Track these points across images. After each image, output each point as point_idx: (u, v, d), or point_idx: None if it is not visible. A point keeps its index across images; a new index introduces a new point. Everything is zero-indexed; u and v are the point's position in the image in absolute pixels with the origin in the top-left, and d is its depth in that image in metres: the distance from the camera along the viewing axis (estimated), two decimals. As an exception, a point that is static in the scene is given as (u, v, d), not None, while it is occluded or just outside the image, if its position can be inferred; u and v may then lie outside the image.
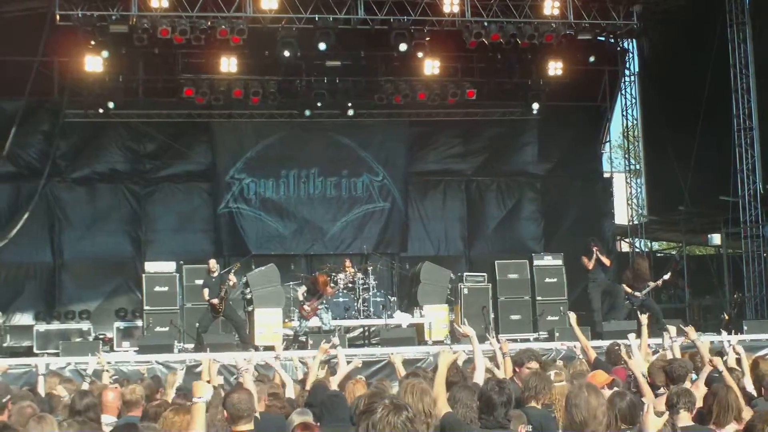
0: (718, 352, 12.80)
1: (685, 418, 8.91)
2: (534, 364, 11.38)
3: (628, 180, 34.48)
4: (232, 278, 23.74)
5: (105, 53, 26.71)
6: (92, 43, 26.27)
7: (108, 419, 10.57)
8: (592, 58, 29.57)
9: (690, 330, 12.93)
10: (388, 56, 29.15)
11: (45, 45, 27.84)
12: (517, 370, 11.32)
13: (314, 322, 23.87)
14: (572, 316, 15.26)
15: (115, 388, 12.00)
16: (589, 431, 7.32)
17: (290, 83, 30.12)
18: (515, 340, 25.04)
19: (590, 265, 25.26)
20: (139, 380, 14.04)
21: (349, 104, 30.08)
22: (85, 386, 13.23)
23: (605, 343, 18.73)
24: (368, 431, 5.34)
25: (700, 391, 10.25)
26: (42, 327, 26.47)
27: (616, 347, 13.62)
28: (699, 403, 9.28)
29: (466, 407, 8.62)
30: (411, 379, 9.58)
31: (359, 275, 25.56)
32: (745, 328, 23.01)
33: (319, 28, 26.62)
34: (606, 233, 32.78)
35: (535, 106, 30.98)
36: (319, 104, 30.24)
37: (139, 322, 26.39)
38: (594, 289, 25.53)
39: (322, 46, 26.89)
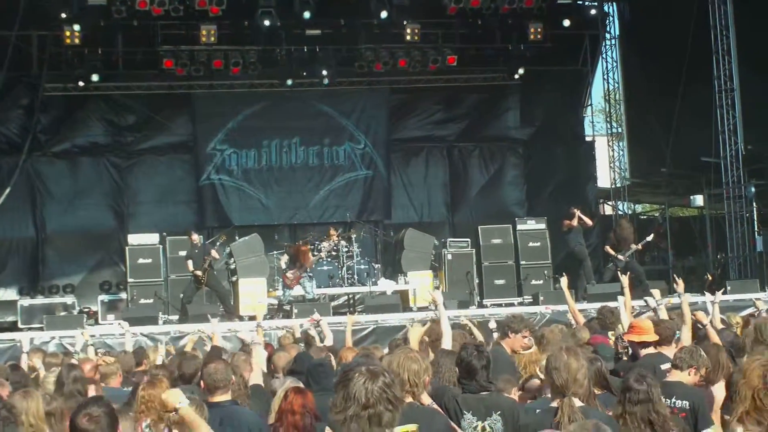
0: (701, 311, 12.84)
1: (674, 376, 9.00)
2: (528, 333, 11.27)
3: (610, 143, 34.46)
4: (215, 254, 23.74)
5: (83, 26, 26.57)
6: (70, 15, 26.08)
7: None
8: (567, 22, 29.46)
9: (680, 283, 13.06)
10: (368, 24, 29.04)
11: (22, 19, 27.59)
12: (511, 336, 11.11)
13: (298, 290, 23.89)
14: (564, 280, 15.14)
15: (90, 360, 12.07)
16: (570, 394, 7.34)
17: (270, 53, 30.01)
18: (500, 305, 25.23)
19: (574, 222, 25.27)
20: (123, 352, 14.06)
21: (324, 72, 29.84)
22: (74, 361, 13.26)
23: (591, 306, 18.88)
24: (345, 399, 5.35)
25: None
26: (26, 302, 26.38)
27: (607, 310, 13.67)
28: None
29: (450, 371, 8.65)
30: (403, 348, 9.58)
31: (343, 243, 25.62)
32: (729, 288, 23.04)
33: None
34: (589, 197, 32.76)
35: (521, 71, 31.03)
36: (304, 73, 30.12)
37: (124, 295, 26.36)
38: (582, 250, 25.61)
39: (306, 14, 26.84)
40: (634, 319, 11.85)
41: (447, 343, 9.91)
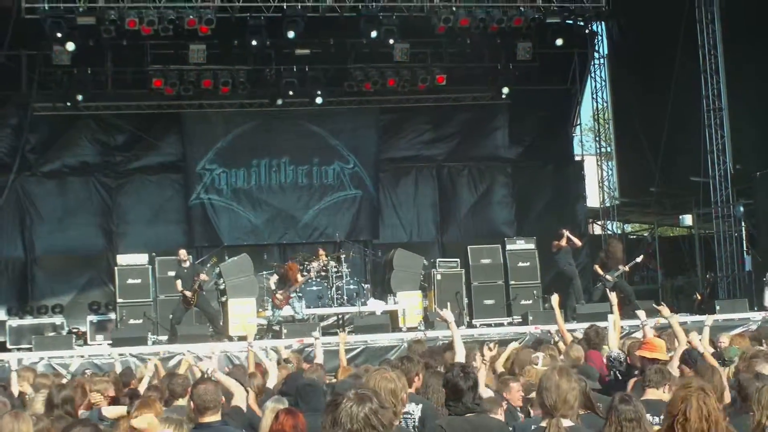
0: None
1: (651, 394, 8.98)
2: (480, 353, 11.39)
3: (599, 163, 34.52)
4: (204, 276, 23.63)
5: (73, 46, 26.52)
6: (59, 35, 26.04)
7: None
8: (559, 42, 29.41)
9: (663, 308, 12.91)
10: (357, 43, 29.11)
11: (11, 38, 27.57)
12: None
13: (287, 311, 23.83)
14: (555, 298, 15.08)
15: (85, 381, 12.07)
16: (559, 415, 7.30)
17: (260, 72, 30.09)
18: (489, 325, 25.19)
19: (562, 243, 25.15)
20: (106, 374, 14.05)
21: (318, 92, 29.92)
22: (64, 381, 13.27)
23: (580, 326, 18.82)
24: (332, 423, 5.33)
25: (674, 369, 10.30)
26: (15, 322, 26.29)
27: (593, 330, 13.65)
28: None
29: (438, 392, 8.64)
30: (380, 367, 9.59)
31: (332, 263, 25.56)
32: (718, 307, 23.04)
33: (288, 16, 26.57)
34: (578, 216, 32.83)
35: (505, 90, 31.06)
36: (291, 93, 30.08)
37: (113, 315, 26.25)
38: (572, 269, 25.53)
39: (290, 34, 26.86)
40: (648, 336, 11.87)
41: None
